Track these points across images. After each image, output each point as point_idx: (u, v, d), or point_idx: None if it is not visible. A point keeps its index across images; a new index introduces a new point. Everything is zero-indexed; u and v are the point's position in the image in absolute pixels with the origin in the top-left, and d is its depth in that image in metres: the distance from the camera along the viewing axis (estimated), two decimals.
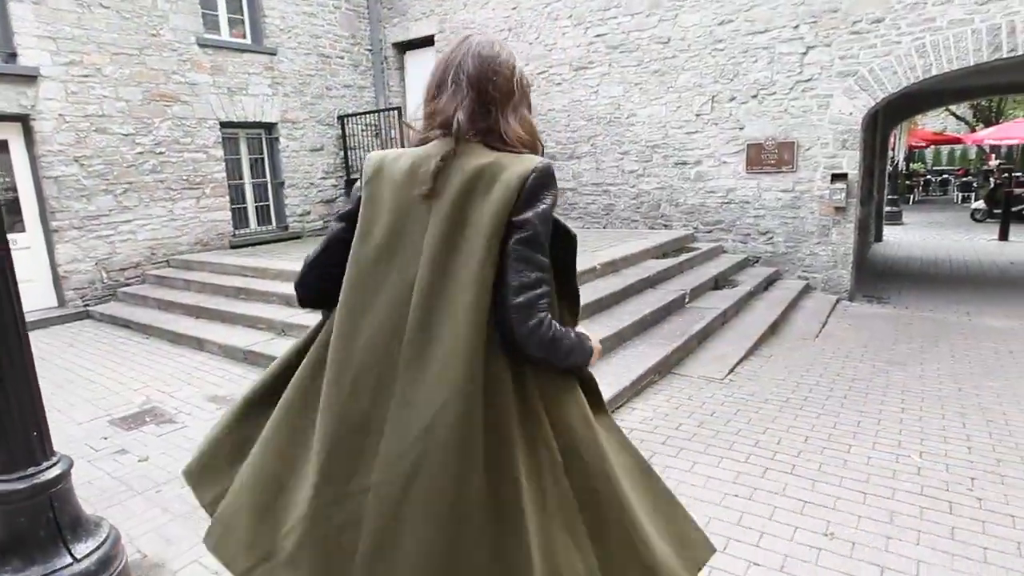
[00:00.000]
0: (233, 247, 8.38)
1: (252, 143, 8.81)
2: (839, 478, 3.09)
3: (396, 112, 9.30)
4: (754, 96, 7.53)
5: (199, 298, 6.77)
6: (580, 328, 1.38)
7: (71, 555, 2.17)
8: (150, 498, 3.21)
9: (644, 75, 8.21)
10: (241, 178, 8.72)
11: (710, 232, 8.19)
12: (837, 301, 7.18)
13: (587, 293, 5.54)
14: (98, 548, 2.24)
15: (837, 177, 7.13)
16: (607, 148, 8.69)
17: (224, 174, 8.32)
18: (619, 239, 7.63)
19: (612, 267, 6.24)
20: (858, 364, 4.97)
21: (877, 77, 6.74)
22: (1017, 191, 14.19)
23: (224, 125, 8.26)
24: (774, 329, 5.96)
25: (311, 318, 5.79)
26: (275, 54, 8.59)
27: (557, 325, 1.24)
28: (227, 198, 8.39)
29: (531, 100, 1.40)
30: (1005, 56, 6.12)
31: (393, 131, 9.92)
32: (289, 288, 6.29)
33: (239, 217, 8.72)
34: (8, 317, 2.04)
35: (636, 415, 3.95)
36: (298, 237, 9.12)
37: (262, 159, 8.92)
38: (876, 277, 8.97)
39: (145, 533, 2.86)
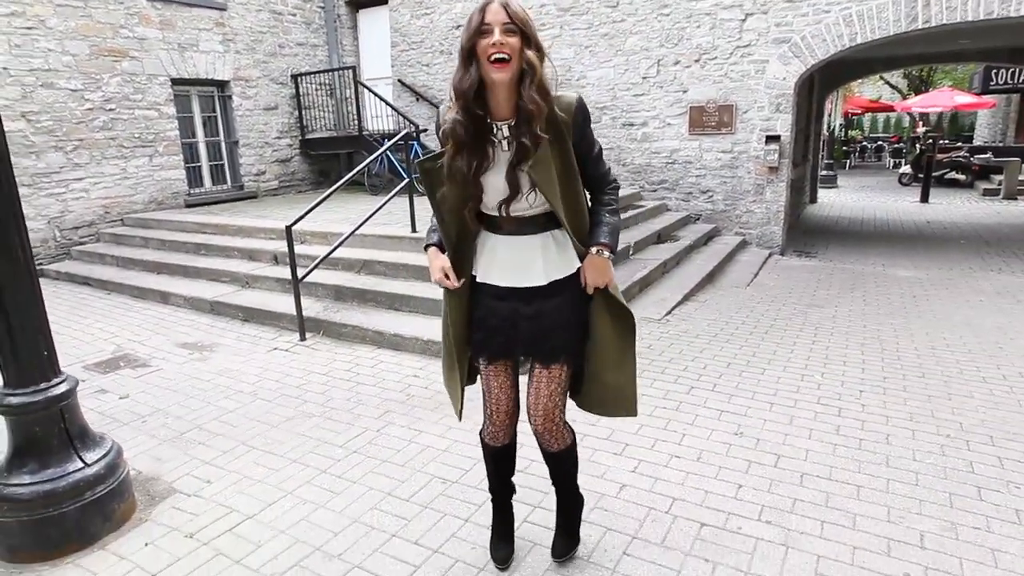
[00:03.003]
0: (188, 206, 8.40)
1: (205, 101, 8.75)
2: (752, 393, 3.61)
3: (351, 71, 9.34)
4: (697, 60, 7.93)
5: (159, 255, 6.85)
6: None
7: (82, 460, 2.46)
8: (136, 427, 3.48)
9: (594, 38, 8.50)
10: (194, 137, 8.69)
11: (655, 191, 8.65)
12: (769, 255, 7.78)
13: None
14: (104, 456, 2.54)
15: (771, 139, 7.65)
16: None
17: (177, 132, 8.28)
18: None
19: None
20: (781, 307, 5.54)
21: (808, 44, 7.23)
22: (939, 156, 15.21)
23: (175, 82, 8.19)
24: (711, 279, 6.49)
25: (275, 271, 6.03)
26: (225, 9, 8.50)
27: None
28: (181, 157, 8.37)
29: (464, 55, 1.61)
30: (920, 27, 6.67)
31: (348, 90, 9.97)
32: (251, 242, 6.46)
33: (193, 176, 8.71)
34: (14, 240, 2.27)
35: None
36: (254, 196, 9.17)
37: (215, 117, 8.88)
38: (807, 234, 9.66)
39: (136, 455, 3.15)
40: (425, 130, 8.90)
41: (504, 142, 1.69)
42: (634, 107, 8.50)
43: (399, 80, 9.89)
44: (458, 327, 1.93)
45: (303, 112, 9.66)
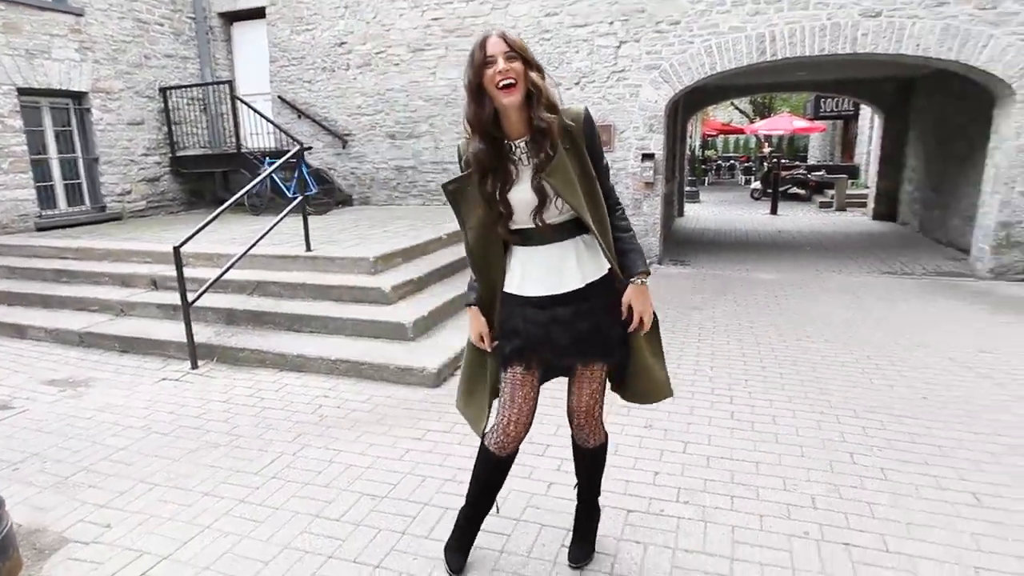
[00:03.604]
0: (40, 229, 7.55)
1: (58, 114, 7.94)
2: None
3: (227, 86, 8.89)
4: (577, 83, 8.40)
5: (9, 284, 6.11)
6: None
7: None
8: (8, 476, 3.10)
9: None
10: (46, 152, 7.84)
11: None
12: (649, 264, 8.35)
13: (439, 258, 5.98)
14: None
15: (647, 156, 8.26)
16: (446, 128, 9.11)
17: (25, 147, 7.43)
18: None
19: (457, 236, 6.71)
20: (667, 311, 5.98)
21: (676, 71, 7.91)
22: (784, 174, 17.10)
23: (23, 92, 7.37)
24: None
25: (155, 296, 5.57)
26: (82, 15, 7.80)
27: None
28: (30, 175, 7.51)
29: (473, 90, 1.72)
30: (768, 59, 7.54)
31: (223, 105, 9.47)
32: (124, 267, 5.95)
33: (46, 196, 7.84)
34: None
35: None
36: (118, 218, 8.42)
37: (71, 132, 8.08)
38: (679, 245, 10.47)
39: (14, 507, 2.80)
40: (310, 148, 8.66)
41: (524, 157, 1.80)
42: None
43: (279, 97, 9.56)
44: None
45: (173, 128, 9.04)
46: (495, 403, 2.05)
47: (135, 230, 7.42)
